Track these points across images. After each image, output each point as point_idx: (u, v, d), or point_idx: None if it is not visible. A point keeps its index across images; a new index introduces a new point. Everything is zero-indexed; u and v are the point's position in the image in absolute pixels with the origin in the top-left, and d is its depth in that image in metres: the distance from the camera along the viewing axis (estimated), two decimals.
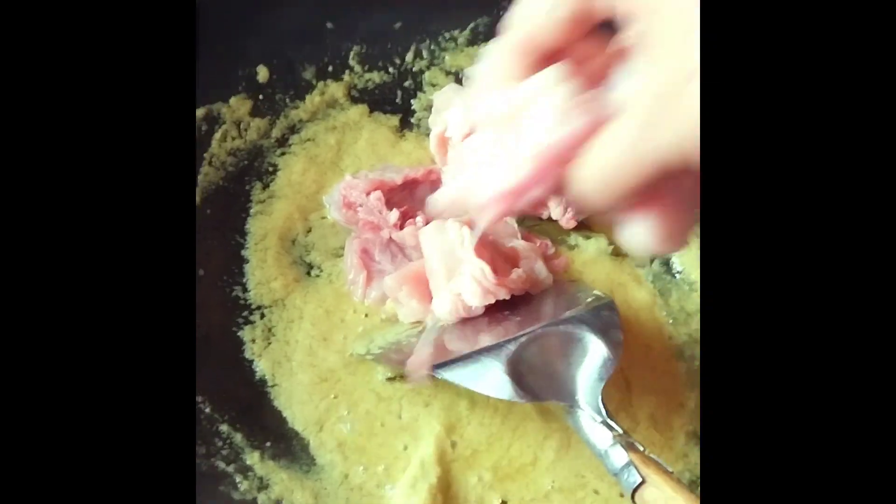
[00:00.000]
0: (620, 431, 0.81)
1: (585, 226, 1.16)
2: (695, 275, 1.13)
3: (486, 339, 0.90)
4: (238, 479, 0.96)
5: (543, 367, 0.88)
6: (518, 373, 0.86)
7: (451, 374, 0.87)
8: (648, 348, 1.08)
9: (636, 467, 0.77)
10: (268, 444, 0.99)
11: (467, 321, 0.97)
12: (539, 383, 0.87)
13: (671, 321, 1.10)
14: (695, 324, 1.10)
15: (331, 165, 1.18)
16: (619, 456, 0.79)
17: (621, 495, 0.96)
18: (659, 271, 1.14)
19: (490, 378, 0.85)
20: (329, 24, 1.23)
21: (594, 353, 0.88)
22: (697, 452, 1.02)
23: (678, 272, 1.14)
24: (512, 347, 0.87)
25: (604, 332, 0.89)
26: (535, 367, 0.87)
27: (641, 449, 0.79)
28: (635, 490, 0.77)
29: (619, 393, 1.04)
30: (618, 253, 1.15)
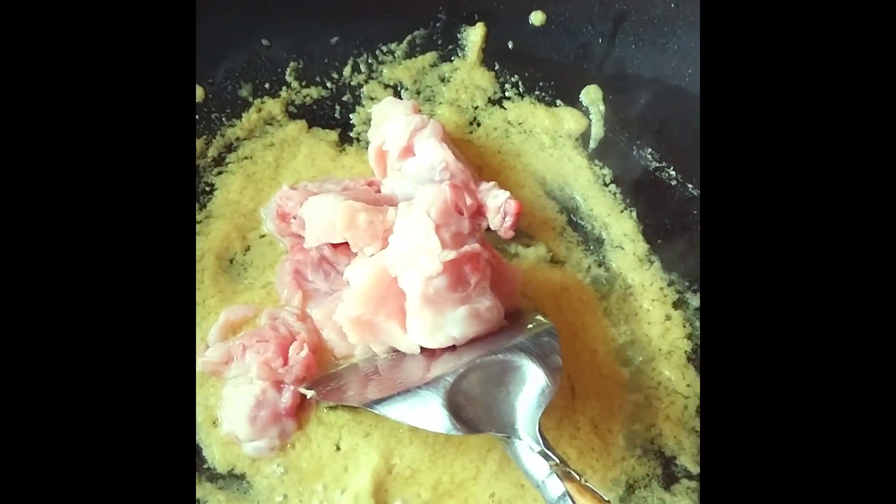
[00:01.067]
0: (557, 461, 0.71)
1: (525, 234, 1.05)
2: (631, 277, 1.03)
3: (427, 372, 0.79)
4: None
5: (482, 397, 0.77)
6: (456, 405, 0.75)
7: (389, 410, 0.76)
8: (594, 353, 0.98)
9: (571, 498, 0.67)
10: (205, 466, 0.88)
11: (405, 354, 0.86)
12: (478, 414, 0.76)
13: (612, 323, 1.00)
14: (633, 324, 1.00)
15: (269, 182, 1.05)
16: (555, 487, 0.69)
17: None
18: (597, 274, 1.03)
19: (428, 412, 0.74)
20: (265, 41, 1.10)
21: (533, 382, 0.77)
22: (634, 455, 0.92)
23: (617, 275, 1.03)
24: (450, 379, 0.76)
25: (542, 358, 0.78)
26: (473, 397, 0.77)
27: (578, 478, 0.69)
28: None
29: (563, 400, 0.94)
30: (556, 259, 1.04)
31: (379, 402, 0.77)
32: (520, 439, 0.74)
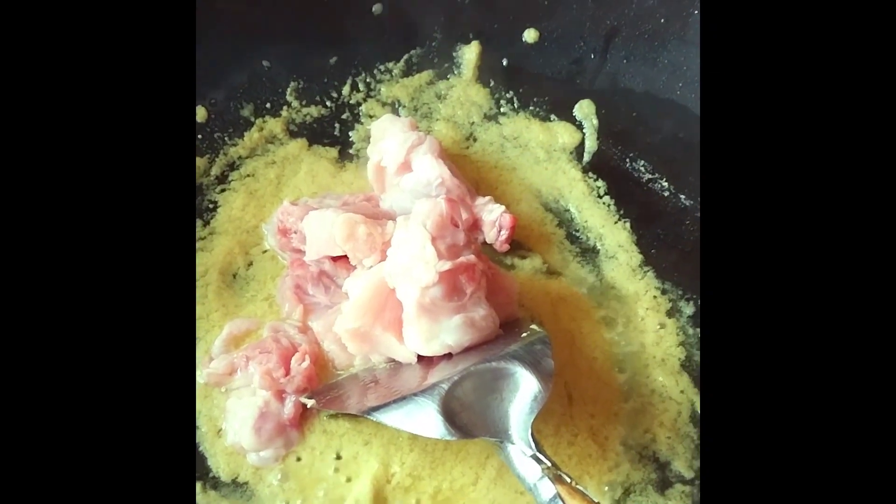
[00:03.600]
0: (549, 464, 0.73)
1: (521, 246, 1.07)
2: (626, 287, 1.05)
3: (424, 380, 0.81)
4: None
5: (476, 403, 0.79)
6: (451, 411, 0.77)
7: (386, 417, 0.78)
8: (591, 360, 1.00)
9: (562, 500, 0.68)
10: (210, 474, 0.90)
11: (403, 364, 0.88)
12: (472, 420, 0.78)
13: (608, 332, 1.02)
14: (629, 332, 1.02)
15: (271, 199, 1.08)
16: (546, 489, 0.70)
17: None
18: (593, 284, 1.05)
19: (423, 418, 0.76)
20: (265, 63, 1.13)
21: (526, 388, 0.79)
22: (630, 461, 0.93)
23: (612, 285, 1.05)
24: (445, 386, 0.78)
25: (535, 365, 0.80)
26: (468, 404, 0.78)
27: (569, 480, 0.70)
28: None
29: (560, 407, 0.96)
30: (552, 270, 1.06)
31: (376, 409, 0.78)
32: (512, 444, 0.75)
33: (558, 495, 0.69)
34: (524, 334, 0.87)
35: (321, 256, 0.97)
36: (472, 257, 0.88)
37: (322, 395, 0.89)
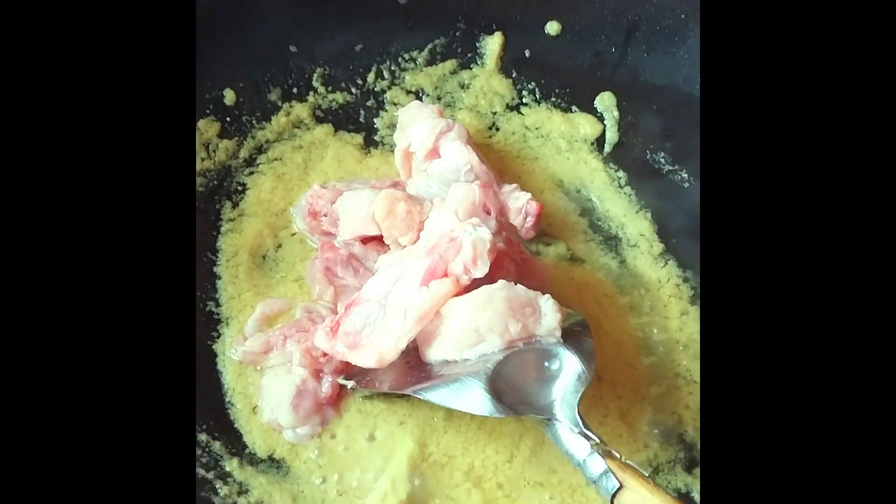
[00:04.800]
0: (597, 440, 0.73)
1: (545, 234, 1.07)
2: (648, 275, 1.06)
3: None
4: (218, 484, 0.86)
5: (521, 383, 0.79)
6: (497, 389, 0.77)
7: (433, 396, 0.78)
8: (618, 344, 1.01)
9: (613, 473, 0.69)
10: (246, 451, 0.89)
11: None
12: (518, 398, 0.78)
13: (634, 317, 1.03)
14: (653, 317, 1.03)
15: (298, 182, 1.07)
16: (596, 464, 0.71)
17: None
18: (616, 271, 1.06)
19: (470, 397, 0.76)
20: (292, 48, 1.13)
21: (569, 367, 0.80)
22: (658, 441, 0.95)
23: (635, 272, 1.06)
24: (491, 366, 0.78)
25: (577, 346, 0.80)
26: (513, 383, 0.79)
27: (618, 456, 0.71)
28: (614, 495, 0.69)
29: (591, 388, 0.95)
30: (576, 257, 1.07)
31: (423, 388, 0.78)
32: (559, 421, 0.76)
33: (609, 469, 0.69)
34: None
35: (353, 237, 0.97)
36: (500, 245, 0.88)
37: (359, 377, 0.88)
